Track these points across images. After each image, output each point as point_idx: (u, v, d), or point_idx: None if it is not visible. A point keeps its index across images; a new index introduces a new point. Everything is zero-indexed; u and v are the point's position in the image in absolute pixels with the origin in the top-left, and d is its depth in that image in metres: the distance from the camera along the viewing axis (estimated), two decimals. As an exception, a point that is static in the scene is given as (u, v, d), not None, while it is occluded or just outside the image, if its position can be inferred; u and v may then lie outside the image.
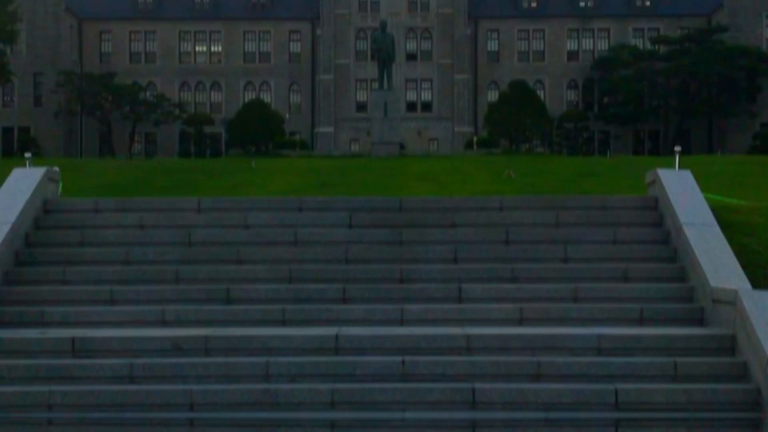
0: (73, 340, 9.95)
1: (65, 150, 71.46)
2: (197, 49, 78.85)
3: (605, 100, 75.15)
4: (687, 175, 12.77)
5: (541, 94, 72.82)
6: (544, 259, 11.94)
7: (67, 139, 74.18)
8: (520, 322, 10.76)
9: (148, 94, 74.66)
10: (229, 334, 10.10)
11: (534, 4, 78.87)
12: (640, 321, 10.75)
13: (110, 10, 77.82)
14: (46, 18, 73.44)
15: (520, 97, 63.69)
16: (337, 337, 9.94)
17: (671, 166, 13.68)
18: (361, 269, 11.72)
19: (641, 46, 74.71)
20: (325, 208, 12.96)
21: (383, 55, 46.66)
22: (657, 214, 12.69)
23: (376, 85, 52.23)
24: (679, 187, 12.40)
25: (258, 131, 63.33)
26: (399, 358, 9.61)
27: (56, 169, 14.09)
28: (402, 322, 10.74)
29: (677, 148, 13.55)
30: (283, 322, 10.80)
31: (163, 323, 10.83)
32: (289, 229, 12.51)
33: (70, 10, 75.15)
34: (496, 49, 78.65)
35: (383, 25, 49.64)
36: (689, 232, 11.45)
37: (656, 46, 72.92)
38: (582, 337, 9.93)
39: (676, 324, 10.71)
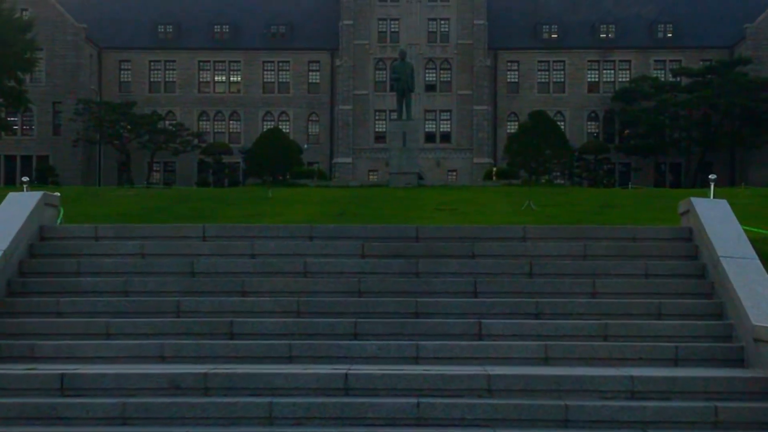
0: (62, 376, 9.22)
1: (84, 179, 71.35)
2: (216, 78, 79.16)
3: (626, 132, 74.53)
4: (723, 205, 11.96)
5: (561, 125, 72.30)
6: (571, 293, 11.12)
7: (86, 168, 74.10)
8: (546, 361, 9.95)
9: (167, 123, 74.75)
10: (230, 372, 9.34)
11: (554, 36, 78.86)
12: (675, 361, 9.91)
13: (130, 40, 78.21)
14: (66, 47, 73.72)
15: (541, 128, 63.00)
16: (346, 375, 9.17)
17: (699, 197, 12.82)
18: (374, 302, 10.95)
19: (663, 78, 74.19)
20: (336, 236, 12.21)
21: (402, 85, 46.16)
22: (691, 246, 11.87)
23: (395, 115, 51.76)
24: (716, 217, 11.59)
25: (276, 160, 62.89)
26: (414, 400, 8.82)
27: (57, 194, 13.44)
28: (417, 360, 9.95)
29: (712, 177, 12.73)
30: (290, 359, 10.03)
31: (162, 359, 10.09)
32: (298, 258, 11.76)
33: (89, 39, 75.48)
34: (516, 80, 78.53)
35: (403, 55, 49.26)
36: (728, 266, 10.63)
37: (678, 78, 72.28)
38: (613, 379, 9.10)
39: (715, 365, 9.87)
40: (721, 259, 10.76)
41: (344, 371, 9.23)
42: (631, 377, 9.06)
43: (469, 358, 9.94)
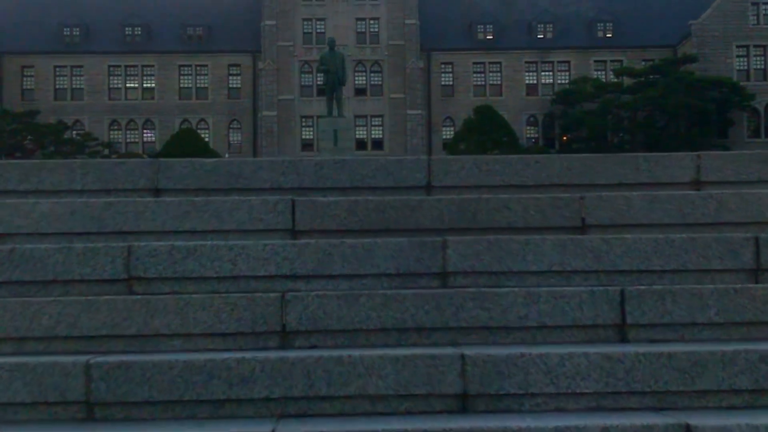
0: None
1: (-17, 195, 64.82)
2: (128, 84, 73.09)
3: (567, 135, 70.45)
4: None
5: (500, 128, 68.21)
6: None
7: (-15, 184, 67.76)
8: None
9: (74, 133, 70.42)
10: None
11: (489, 36, 76.05)
12: None
13: (33, 44, 71.95)
14: (-38, 53, 68.94)
15: (487, 124, 57.87)
16: None
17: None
18: (326, 361, 3.71)
19: (604, 79, 70.88)
20: (226, 187, 4.69)
21: (332, 78, 39.44)
22: None
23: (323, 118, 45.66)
24: None
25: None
26: None
27: None
28: None
29: None
30: None
31: None
32: (113, 241, 4.33)
33: (-12, 45, 70.65)
34: (451, 82, 75.69)
35: (332, 44, 42.56)
36: None
37: (620, 78, 68.13)
38: None
39: None
40: None
41: None
42: None
43: None
